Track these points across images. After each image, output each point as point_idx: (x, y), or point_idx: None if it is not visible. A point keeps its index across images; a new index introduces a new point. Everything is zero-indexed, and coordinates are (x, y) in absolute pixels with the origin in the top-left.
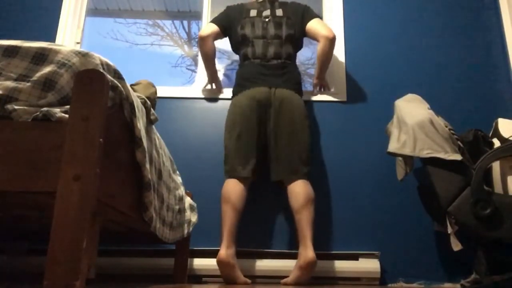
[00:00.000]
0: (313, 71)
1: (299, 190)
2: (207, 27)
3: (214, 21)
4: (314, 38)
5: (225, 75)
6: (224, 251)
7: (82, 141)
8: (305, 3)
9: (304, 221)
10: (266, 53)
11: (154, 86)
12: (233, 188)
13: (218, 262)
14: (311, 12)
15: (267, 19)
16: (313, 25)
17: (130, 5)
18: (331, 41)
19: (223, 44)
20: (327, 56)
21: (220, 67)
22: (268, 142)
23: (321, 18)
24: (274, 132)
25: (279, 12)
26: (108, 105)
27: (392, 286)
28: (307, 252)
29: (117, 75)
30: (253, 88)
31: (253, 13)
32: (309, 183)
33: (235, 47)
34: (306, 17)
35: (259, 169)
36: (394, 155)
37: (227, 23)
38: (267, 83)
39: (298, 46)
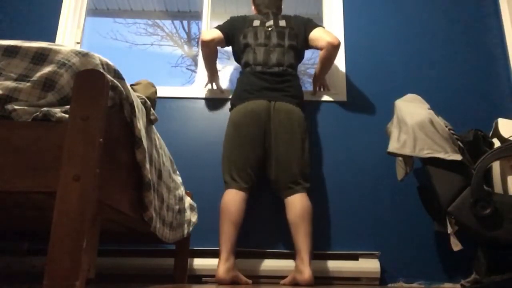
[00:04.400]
0: (313, 71)
1: (296, 203)
2: (210, 32)
3: (218, 27)
4: (317, 45)
5: (225, 75)
6: (222, 268)
7: (82, 141)
8: (305, 3)
9: (301, 234)
10: (267, 60)
11: (154, 86)
12: (232, 200)
13: (218, 281)
14: (313, 23)
15: (269, 29)
16: (316, 33)
17: (130, 5)
18: (336, 47)
19: None
20: (330, 61)
21: (220, 67)
22: (267, 156)
23: (323, 27)
24: (274, 146)
25: (282, 23)
26: (108, 105)
27: (392, 286)
28: (304, 269)
29: (117, 75)
30: (252, 101)
31: (256, 23)
32: (307, 196)
33: (238, 57)
34: (309, 27)
35: (258, 182)
36: (394, 155)
37: (231, 32)
38: (267, 96)
39: (300, 57)
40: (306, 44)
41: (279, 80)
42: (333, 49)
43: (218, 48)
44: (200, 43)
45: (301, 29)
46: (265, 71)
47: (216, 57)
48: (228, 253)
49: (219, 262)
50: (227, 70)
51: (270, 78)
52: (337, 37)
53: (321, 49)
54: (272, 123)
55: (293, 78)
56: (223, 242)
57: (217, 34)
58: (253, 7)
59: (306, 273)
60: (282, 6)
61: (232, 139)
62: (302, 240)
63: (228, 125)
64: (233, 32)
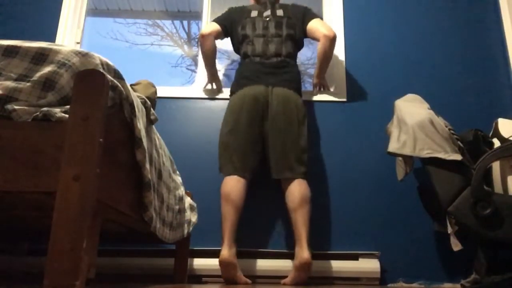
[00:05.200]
0: (313, 71)
1: (294, 190)
2: (209, 26)
3: (216, 20)
4: (314, 37)
5: (225, 75)
6: (227, 251)
7: (82, 141)
8: (305, 3)
9: (300, 221)
10: (266, 50)
11: (154, 86)
12: (233, 186)
13: (221, 262)
14: (311, 13)
15: (267, 19)
16: (313, 24)
17: (130, 5)
18: (332, 40)
19: (224, 44)
20: (327, 55)
21: (220, 67)
22: (265, 141)
23: (321, 18)
24: (271, 131)
25: (279, 12)
26: (108, 105)
27: (392, 286)
28: (303, 252)
29: (117, 75)
30: (250, 86)
31: (254, 13)
32: (306, 182)
33: (236, 47)
34: (307, 18)
35: (257, 168)
36: (394, 155)
37: (229, 23)
38: (265, 82)
39: (299, 46)
40: (304, 33)
41: (277, 67)
42: (328, 41)
43: (218, 48)
44: (199, 38)
45: (299, 18)
46: (264, 61)
47: (215, 53)
48: (230, 237)
49: (222, 246)
50: (227, 70)
51: (269, 66)
52: (333, 29)
53: (317, 40)
54: (270, 108)
55: (291, 65)
56: (225, 227)
57: (215, 27)
58: None
59: (305, 254)
60: None
61: (230, 124)
62: (302, 227)
63: (226, 111)
64: (231, 23)
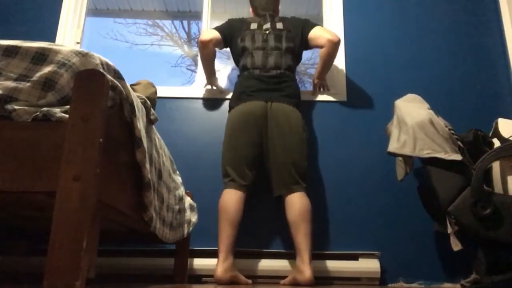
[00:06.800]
0: (313, 71)
1: (295, 203)
2: (209, 33)
3: (216, 28)
4: (317, 44)
5: (224, 75)
6: (221, 267)
7: (82, 141)
8: (305, 3)
9: (301, 234)
10: (265, 63)
11: (154, 86)
12: (229, 199)
13: (216, 280)
14: (311, 23)
15: (267, 31)
16: (316, 32)
17: (130, 5)
18: (336, 44)
19: None
20: (331, 59)
21: (220, 67)
22: (265, 156)
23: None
24: (271, 146)
25: (279, 25)
26: (108, 105)
27: (392, 286)
28: (304, 268)
29: (117, 75)
30: (249, 102)
31: (253, 26)
32: (306, 195)
33: (236, 59)
34: (307, 28)
35: (257, 182)
36: (394, 155)
37: (229, 33)
38: (264, 97)
39: (298, 59)
40: (305, 45)
41: (276, 81)
42: (333, 46)
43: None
44: (198, 43)
45: (298, 30)
46: (263, 74)
47: (214, 58)
48: (226, 253)
49: (217, 262)
50: (227, 70)
51: (268, 81)
52: (337, 34)
53: (321, 47)
54: (269, 124)
55: (290, 79)
56: (221, 242)
57: (216, 35)
58: (251, 9)
59: (307, 272)
60: (280, 8)
61: (229, 140)
62: (302, 240)
63: (226, 127)
64: (231, 34)
